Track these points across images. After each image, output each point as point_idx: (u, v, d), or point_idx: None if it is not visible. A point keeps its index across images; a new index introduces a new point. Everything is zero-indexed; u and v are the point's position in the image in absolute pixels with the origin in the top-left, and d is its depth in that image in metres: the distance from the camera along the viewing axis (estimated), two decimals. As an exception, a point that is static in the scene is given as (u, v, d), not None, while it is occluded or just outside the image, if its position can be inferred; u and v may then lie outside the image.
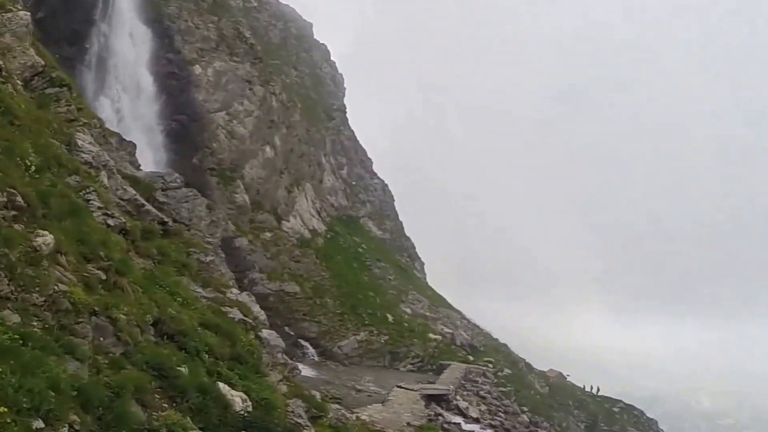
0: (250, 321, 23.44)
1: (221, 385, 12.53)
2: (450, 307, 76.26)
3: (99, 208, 16.96)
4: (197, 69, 61.62)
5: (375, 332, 60.51)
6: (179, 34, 61.70)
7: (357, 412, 32.38)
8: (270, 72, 70.49)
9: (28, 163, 14.64)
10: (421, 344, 61.22)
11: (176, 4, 63.34)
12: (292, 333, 55.94)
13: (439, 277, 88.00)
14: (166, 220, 27.55)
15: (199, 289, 22.52)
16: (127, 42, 55.00)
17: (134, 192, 25.86)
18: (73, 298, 10.83)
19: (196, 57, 62.17)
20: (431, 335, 63.42)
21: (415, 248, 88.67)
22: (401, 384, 44.49)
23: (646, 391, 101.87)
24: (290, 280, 59.87)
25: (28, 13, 23.18)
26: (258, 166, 64.21)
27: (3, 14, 21.66)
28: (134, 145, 39.11)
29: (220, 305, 22.35)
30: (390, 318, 63.11)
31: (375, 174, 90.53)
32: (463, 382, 53.30)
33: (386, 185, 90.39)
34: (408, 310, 67.02)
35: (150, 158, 51.60)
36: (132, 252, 17.46)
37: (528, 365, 72.84)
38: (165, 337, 13.62)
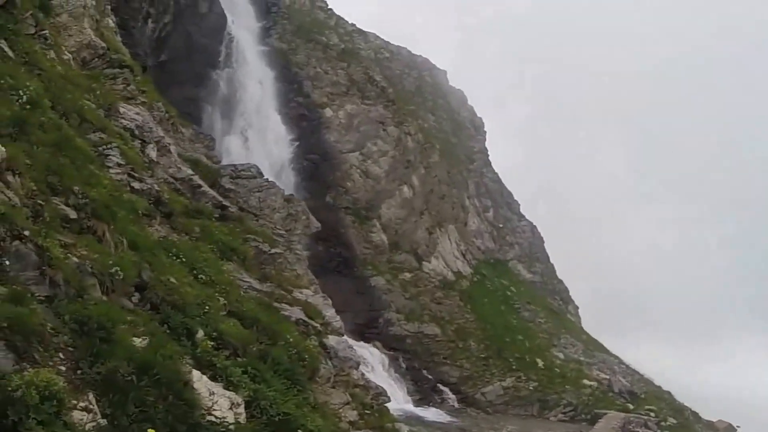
0: (315, 324, 20.25)
1: (195, 373, 9.03)
2: (607, 351, 69.78)
3: (119, 165, 14.30)
4: (328, 112, 60.70)
5: (523, 378, 55.66)
6: (308, 79, 61.66)
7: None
8: (404, 114, 68.34)
9: (21, 95, 12.23)
10: (574, 391, 55.74)
11: (304, 53, 63.49)
12: (431, 377, 52.43)
13: (593, 320, 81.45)
14: (226, 204, 25.31)
15: (249, 279, 19.71)
16: (254, 84, 54.94)
17: (191, 172, 23.77)
18: None
19: (326, 101, 61.36)
20: (586, 381, 57.60)
21: (568, 291, 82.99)
22: None
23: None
24: (430, 321, 56.32)
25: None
26: (395, 206, 61.57)
27: (61, -3, 20.15)
28: (213, 140, 37.53)
29: (275, 301, 19.42)
30: (540, 363, 57.91)
31: (523, 216, 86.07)
32: None
33: (535, 227, 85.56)
34: (560, 355, 61.48)
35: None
36: (160, 223, 14.66)
37: (695, 414, 64.91)
38: (148, 305, 10.45)
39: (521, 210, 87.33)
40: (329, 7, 74.73)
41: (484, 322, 60.59)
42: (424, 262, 61.80)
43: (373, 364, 46.73)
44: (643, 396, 60.55)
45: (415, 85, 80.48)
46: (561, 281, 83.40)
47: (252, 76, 55.25)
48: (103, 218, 10.90)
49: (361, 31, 76.31)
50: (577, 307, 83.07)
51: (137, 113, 20.28)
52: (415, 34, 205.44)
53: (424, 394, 50.86)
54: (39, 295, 8.17)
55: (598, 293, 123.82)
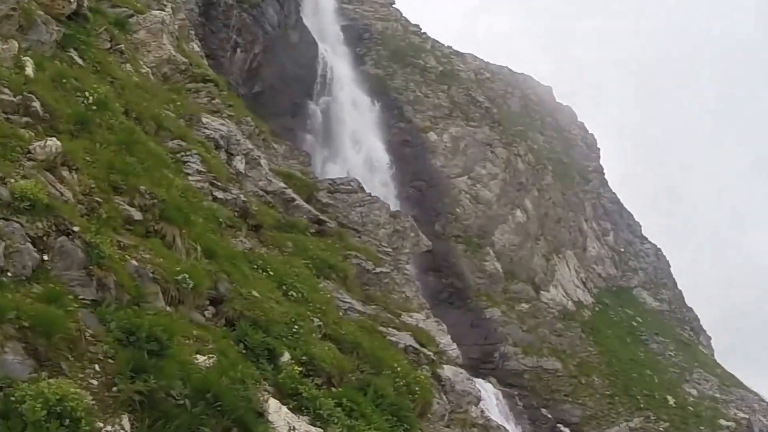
0: (428, 353, 18.76)
1: (273, 403, 7.42)
2: (744, 387, 64.98)
3: (199, 172, 13.11)
4: (432, 136, 59.42)
5: (652, 417, 52.18)
6: (408, 104, 60.76)
7: None
8: (512, 135, 66.30)
9: (88, 96, 11.35)
10: (709, 432, 51.59)
11: (401, 78, 62.86)
12: (550, 416, 49.69)
13: (726, 351, 76.32)
14: (323, 219, 24.21)
15: (350, 300, 18.44)
16: (352, 112, 54.05)
17: (284, 186, 22.64)
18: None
19: (429, 125, 60.13)
20: (722, 421, 53.90)
21: (698, 320, 78.15)
22: None
23: None
24: (550, 355, 53.57)
25: (164, 12, 20.87)
26: (509, 231, 59.35)
27: (138, 15, 19.56)
28: (309, 155, 36.25)
29: (381, 324, 18.02)
30: (671, 400, 54.32)
31: (645, 238, 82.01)
32: None
33: (659, 250, 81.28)
34: (693, 391, 57.54)
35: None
36: (246, 236, 13.35)
37: None
38: (223, 320, 8.99)
39: (643, 232, 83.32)
40: (423, 30, 73.96)
41: (609, 356, 57.39)
42: (542, 292, 59.20)
43: (487, 401, 44.47)
44: (787, 437, 56.07)
45: (520, 104, 78.30)
46: (690, 309, 78.83)
47: (349, 104, 54.53)
48: (174, 221, 9.78)
49: (458, 53, 75.01)
50: (710, 338, 78.26)
51: (222, 124, 19.34)
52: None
53: (538, 432, 48.19)
54: (83, 298, 7.22)
55: (729, 319, 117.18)
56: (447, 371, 19.45)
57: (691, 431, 51.72)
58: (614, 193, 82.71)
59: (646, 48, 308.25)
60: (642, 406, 52.93)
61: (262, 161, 22.68)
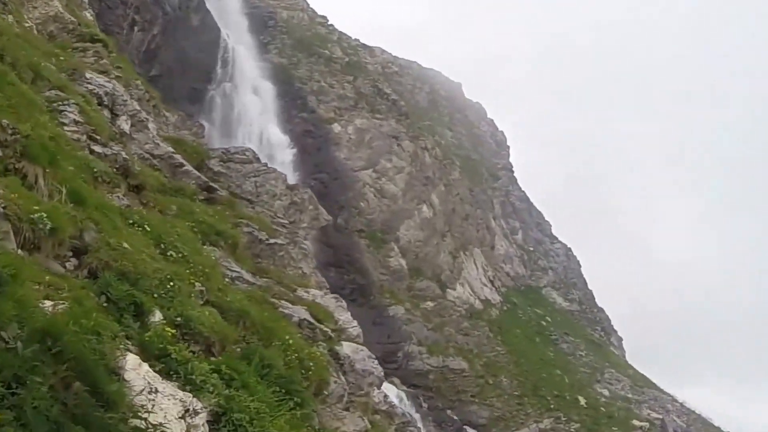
0: (325, 329, 17.36)
1: (131, 359, 6.62)
2: (657, 388, 66.45)
3: (77, 122, 12.25)
4: (336, 127, 58.47)
5: (563, 418, 51.98)
6: (312, 94, 59.62)
7: None
8: (419, 128, 66.33)
9: None
10: (623, 433, 51.77)
11: (306, 67, 61.84)
12: (456, 418, 49.14)
13: (640, 354, 78.01)
14: (213, 186, 22.78)
15: (239, 269, 17.03)
16: (253, 100, 53.03)
17: (172, 150, 21.57)
18: None
19: (333, 116, 59.17)
20: (635, 422, 54.00)
21: (609, 321, 79.63)
22: None
23: None
24: (456, 355, 53.33)
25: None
26: (415, 227, 59.01)
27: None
28: (203, 126, 35.26)
29: (273, 297, 16.83)
30: (582, 401, 54.40)
31: (555, 238, 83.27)
32: None
33: (570, 250, 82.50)
34: (605, 392, 58.17)
35: None
36: (125, 194, 12.56)
37: (761, 458, 61.48)
38: (86, 272, 8.29)
39: (553, 231, 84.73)
40: (330, 22, 73.60)
41: (517, 356, 57.31)
42: (448, 290, 59.00)
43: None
44: (702, 438, 57.43)
45: (428, 99, 78.38)
46: (602, 309, 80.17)
47: (251, 92, 53.19)
48: (37, 161, 8.80)
49: (365, 46, 74.59)
50: (621, 339, 79.70)
51: (108, 81, 18.29)
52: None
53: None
54: None
55: (640, 320, 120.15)
56: (346, 348, 17.94)
57: (604, 431, 51.65)
58: (523, 192, 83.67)
59: (560, 41, 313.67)
60: (552, 406, 52.72)
61: (150, 125, 21.47)
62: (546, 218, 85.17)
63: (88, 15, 28.56)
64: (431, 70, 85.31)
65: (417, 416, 45.94)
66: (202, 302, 11.14)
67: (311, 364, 13.06)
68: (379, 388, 19.69)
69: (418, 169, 61.78)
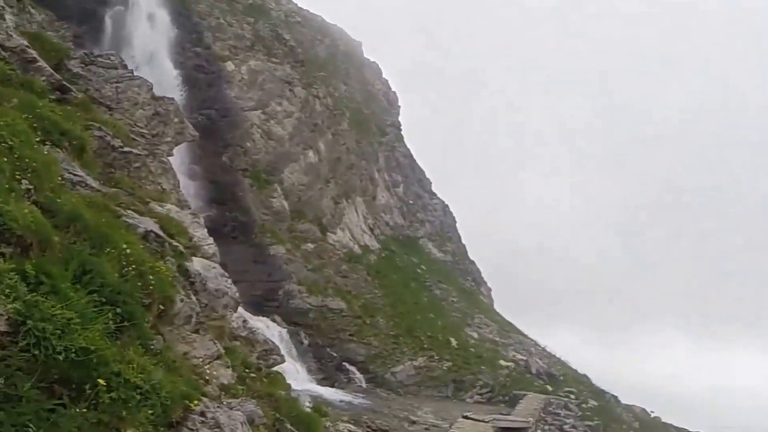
0: (176, 245, 13.62)
1: None
2: (521, 333, 64.31)
3: None
4: (229, 66, 52.83)
5: (436, 358, 49.25)
6: (209, 30, 53.31)
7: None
8: (314, 77, 61.21)
9: None
10: (490, 372, 49.61)
11: (207, 3, 55.37)
12: (335, 354, 45.51)
13: (506, 303, 75.78)
14: (68, 86, 18.07)
15: (83, 174, 12.97)
16: (146, 27, 46.78)
17: (26, 44, 17.01)
18: None
19: (228, 54, 53.41)
20: (502, 362, 51.72)
21: (480, 273, 77.29)
22: (468, 414, 33.42)
23: (737, 430, 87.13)
24: (335, 295, 49.31)
25: None
26: (299, 171, 54.31)
27: None
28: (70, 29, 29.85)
29: (119, 206, 12.83)
30: (453, 342, 51.68)
31: (434, 194, 79.98)
32: (543, 414, 42.02)
33: (447, 206, 79.61)
34: (474, 335, 55.50)
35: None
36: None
37: (614, 397, 60.16)
38: None
39: (433, 188, 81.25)
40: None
41: (394, 299, 54.10)
42: (329, 233, 54.80)
43: (273, 339, 39.57)
44: (562, 378, 55.31)
45: (327, 52, 73.03)
46: (473, 262, 77.79)
47: (145, 18, 47.00)
48: None
49: (272, -8, 68.74)
50: (490, 289, 77.65)
51: None
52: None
53: (328, 374, 43.91)
54: None
55: (506, 270, 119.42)
56: (196, 265, 14.20)
57: (473, 370, 49.15)
58: (408, 149, 79.93)
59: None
60: (426, 346, 50.05)
61: (8, 17, 17.42)
62: (427, 176, 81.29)
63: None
64: (335, 26, 79.90)
65: (296, 352, 42.09)
66: (28, 202, 8.45)
67: (152, 278, 9.83)
68: (235, 311, 16.04)
69: (307, 115, 57.08)
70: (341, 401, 36.73)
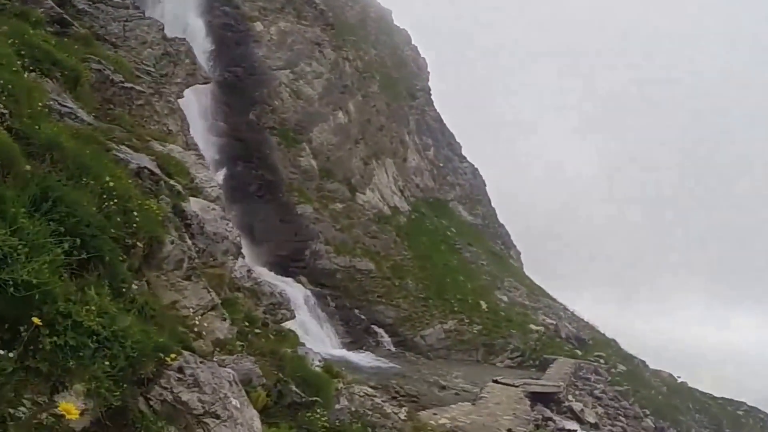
0: (173, 184, 11.25)
1: None
2: (550, 297, 60.12)
3: None
4: (258, 26, 48.70)
5: (466, 321, 45.55)
6: (238, -10, 48.89)
7: (438, 414, 19.98)
8: (344, 40, 56.67)
9: None
10: (520, 336, 45.96)
11: (237, -37, 50.76)
12: (363, 317, 41.77)
13: (535, 267, 71.36)
14: (68, 20, 15.76)
15: (74, 106, 11.11)
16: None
17: None
18: None
19: (257, 15, 49.27)
20: (532, 326, 48.04)
21: (509, 236, 73.10)
22: (498, 378, 30.41)
23: (759, 393, 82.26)
24: (364, 256, 45.52)
25: None
26: (328, 131, 50.15)
27: None
28: None
29: (111, 140, 10.82)
30: (483, 305, 47.91)
31: (464, 158, 75.60)
32: (573, 379, 38.87)
33: (476, 169, 75.39)
34: (504, 298, 51.47)
35: (195, 106, 39.15)
36: None
37: (643, 362, 55.98)
38: None
39: (463, 152, 76.63)
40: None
41: (423, 261, 50.34)
42: (358, 194, 50.79)
43: (297, 301, 35.77)
44: (590, 342, 51.31)
45: (357, 17, 68.74)
46: (502, 225, 73.69)
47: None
48: None
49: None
50: (519, 253, 73.49)
51: None
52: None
53: (356, 337, 40.27)
54: None
55: (536, 235, 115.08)
56: (194, 205, 11.60)
57: (504, 334, 45.49)
58: (438, 113, 75.49)
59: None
60: (456, 309, 46.34)
61: None
62: (457, 140, 76.55)
63: None
64: (365, -7, 75.06)
65: (323, 314, 38.30)
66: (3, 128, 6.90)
67: (137, 215, 8.12)
68: (236, 258, 13.33)
69: (337, 77, 52.93)
70: (369, 365, 32.98)
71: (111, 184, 7.88)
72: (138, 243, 8.16)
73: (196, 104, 39.98)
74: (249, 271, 15.40)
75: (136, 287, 7.17)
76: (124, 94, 15.59)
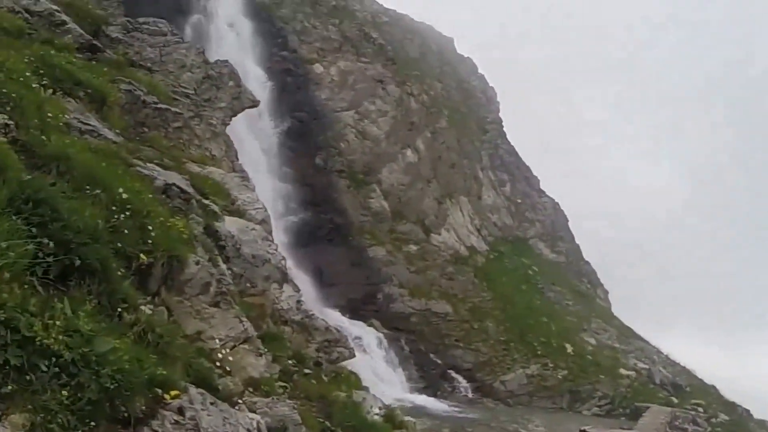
0: (207, 203, 10.99)
1: None
2: (642, 339, 58.36)
3: None
4: (318, 68, 50.29)
5: (550, 365, 44.82)
6: (294, 34, 51.06)
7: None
8: (407, 75, 57.61)
9: None
10: (609, 381, 44.92)
11: (290, 8, 52.95)
12: (440, 362, 41.76)
13: (624, 306, 69.36)
14: (99, 46, 16.17)
15: (97, 124, 10.99)
16: (229, 34, 44.57)
17: (56, 8, 15.45)
18: None
19: (315, 57, 50.95)
20: (622, 371, 46.76)
21: (595, 273, 71.50)
22: (585, 428, 29.62)
23: None
24: (440, 298, 45.58)
25: None
26: (398, 171, 50.86)
27: None
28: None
29: (138, 158, 10.72)
30: (569, 348, 47.04)
31: (543, 192, 74.85)
32: (669, 430, 37.12)
33: (557, 204, 74.29)
34: (591, 340, 50.41)
35: (261, 156, 40.87)
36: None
37: (747, 411, 53.25)
38: None
39: (541, 186, 76.07)
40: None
41: (503, 302, 49.83)
42: (432, 234, 51.03)
43: (369, 344, 36.22)
44: (688, 389, 49.42)
45: (418, 50, 69.35)
46: (588, 263, 72.16)
47: (225, 25, 44.80)
48: None
49: (356, -5, 65.72)
50: (607, 291, 71.68)
51: None
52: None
53: (431, 382, 40.16)
54: None
55: (624, 272, 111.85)
56: (229, 225, 11.12)
57: (591, 380, 44.51)
58: (512, 146, 75.08)
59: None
60: (539, 353, 45.60)
61: None
62: (534, 173, 76.11)
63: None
64: (423, 24, 76.26)
65: (397, 359, 38.61)
66: (6, 140, 7.01)
67: (153, 230, 7.83)
68: (280, 285, 12.58)
69: (403, 114, 53.73)
70: (444, 412, 32.94)
71: (124, 196, 7.66)
72: (156, 262, 7.74)
73: (260, 151, 41.55)
74: (299, 302, 14.97)
75: (149, 311, 6.78)
76: (159, 116, 15.97)
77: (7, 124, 7.46)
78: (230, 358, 8.46)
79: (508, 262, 57.70)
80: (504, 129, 75.64)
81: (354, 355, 16.32)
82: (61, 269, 5.50)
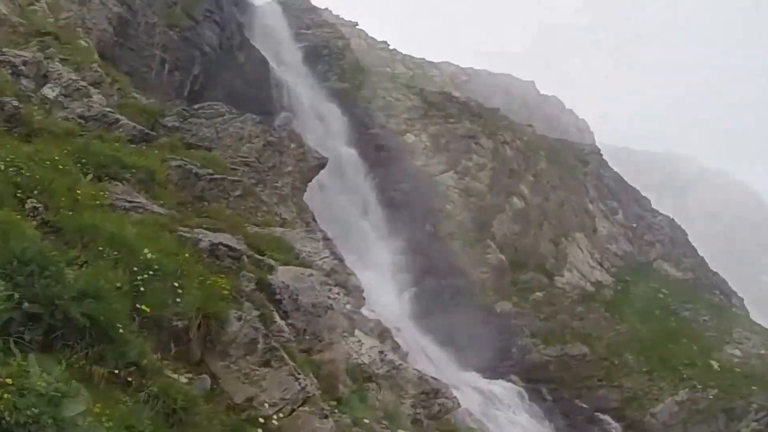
0: (261, 258, 11.41)
1: None
2: (788, 343, 57.86)
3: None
4: (409, 137, 53.82)
5: (698, 387, 45.46)
6: (379, 110, 55.00)
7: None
8: (496, 125, 60.44)
9: None
10: (763, 392, 45.02)
11: (369, 87, 57.15)
12: (585, 406, 43.22)
13: (761, 307, 68.28)
14: (152, 133, 18.04)
15: (144, 201, 12.06)
16: (316, 124, 47.94)
17: (109, 110, 17.74)
18: None
19: (405, 127, 54.58)
20: (776, 379, 46.72)
21: (726, 283, 71.03)
22: None
23: None
24: (574, 340, 47.29)
25: None
26: (508, 220, 53.31)
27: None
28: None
29: (185, 226, 11.34)
30: (715, 365, 47.62)
31: (656, 211, 75.39)
32: None
33: (673, 220, 74.52)
34: (736, 352, 50.74)
35: (370, 232, 45.26)
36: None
37: None
38: None
39: (653, 205, 76.73)
40: (392, 47, 68.63)
41: (639, 331, 50.95)
42: (555, 277, 53.00)
43: (510, 401, 38.23)
44: None
45: (502, 100, 72.50)
46: (716, 273, 71.83)
47: (313, 117, 48.30)
48: None
49: (431, 63, 69.63)
50: (741, 299, 71.01)
51: (30, 52, 14.43)
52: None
53: (580, 429, 41.68)
54: None
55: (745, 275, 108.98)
56: (283, 275, 11.03)
57: (744, 394, 44.82)
58: (615, 172, 76.32)
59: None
60: (685, 376, 46.35)
61: (95, 96, 17.58)
62: (643, 194, 76.89)
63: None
64: (501, 75, 79.21)
65: (541, 411, 40.37)
66: (36, 223, 7.77)
67: (176, 285, 7.77)
68: (352, 333, 12.65)
69: (501, 163, 56.28)
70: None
71: (149, 256, 7.67)
72: (193, 323, 7.65)
73: (370, 229, 44.92)
74: (381, 352, 14.46)
75: (186, 379, 6.78)
76: (216, 187, 16.52)
77: (35, 207, 8.17)
78: (286, 423, 7.95)
79: (636, 289, 58.68)
80: (604, 157, 77.08)
81: (459, 405, 15.76)
82: (46, 329, 5.45)
